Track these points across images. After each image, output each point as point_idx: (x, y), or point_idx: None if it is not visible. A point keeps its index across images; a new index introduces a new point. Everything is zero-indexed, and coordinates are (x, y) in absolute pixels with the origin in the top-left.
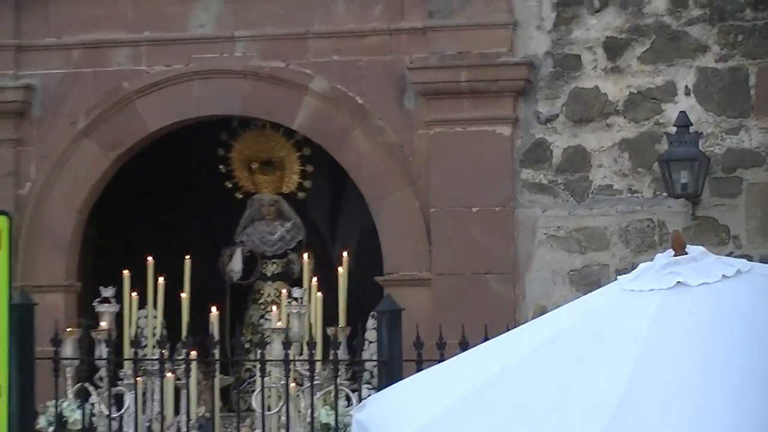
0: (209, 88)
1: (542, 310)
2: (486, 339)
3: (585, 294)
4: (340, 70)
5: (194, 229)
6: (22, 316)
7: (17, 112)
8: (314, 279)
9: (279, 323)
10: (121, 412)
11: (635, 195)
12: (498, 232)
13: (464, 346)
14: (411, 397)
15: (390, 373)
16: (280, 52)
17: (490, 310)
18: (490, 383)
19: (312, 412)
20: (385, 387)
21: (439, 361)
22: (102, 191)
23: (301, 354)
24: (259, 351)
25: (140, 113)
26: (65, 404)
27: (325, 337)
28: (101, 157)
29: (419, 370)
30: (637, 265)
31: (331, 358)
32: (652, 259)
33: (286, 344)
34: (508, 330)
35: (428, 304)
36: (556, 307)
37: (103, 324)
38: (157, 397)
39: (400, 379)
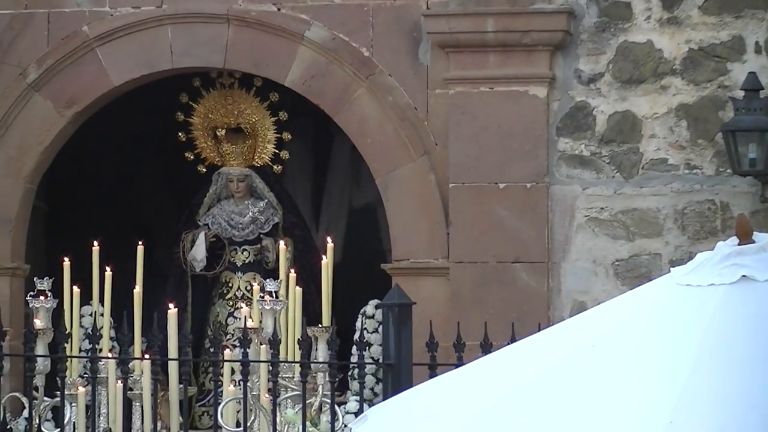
0: (185, 36)
1: (581, 307)
2: (513, 340)
3: (632, 289)
4: (342, 15)
5: (150, 209)
6: None
7: None
8: (292, 270)
9: (250, 322)
10: (58, 430)
11: (694, 171)
12: (529, 212)
13: (487, 348)
14: (421, 408)
15: (397, 379)
16: None
17: (518, 305)
18: (516, 394)
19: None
20: (392, 396)
21: (457, 366)
22: (55, 157)
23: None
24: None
25: (102, 64)
26: None
27: (306, 339)
28: (55, 116)
29: (432, 376)
30: (695, 255)
31: (320, 359)
32: (712, 249)
33: (245, 342)
34: (539, 330)
35: (444, 298)
36: (598, 304)
37: (38, 322)
38: (104, 410)
39: (410, 386)
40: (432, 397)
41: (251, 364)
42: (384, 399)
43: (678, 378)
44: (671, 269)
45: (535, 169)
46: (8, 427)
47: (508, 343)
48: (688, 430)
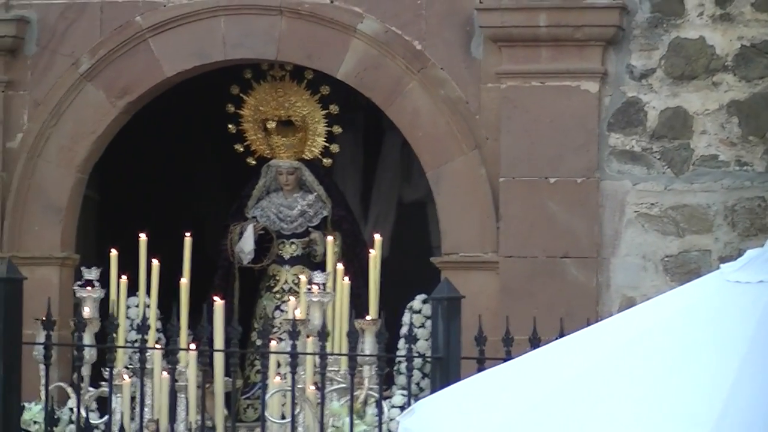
0: (238, 27)
1: (630, 303)
2: (562, 335)
3: (681, 284)
4: (395, 8)
5: (202, 200)
6: (9, 292)
7: (8, 50)
8: (340, 263)
9: (297, 313)
10: (104, 419)
11: (745, 168)
12: (579, 207)
13: (535, 342)
14: (469, 402)
15: (446, 373)
16: None
17: (567, 300)
18: (565, 389)
19: (322, 417)
20: (440, 389)
21: (505, 360)
22: (107, 147)
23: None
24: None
25: (155, 54)
26: (37, 408)
27: (353, 332)
28: (107, 106)
29: (480, 370)
30: (745, 252)
31: (367, 352)
32: (762, 245)
33: (293, 334)
34: (588, 325)
35: (494, 292)
36: (647, 299)
37: (86, 312)
38: (149, 402)
39: (458, 380)
40: (480, 391)
41: (298, 356)
42: (432, 392)
43: (727, 375)
44: (720, 266)
45: (586, 164)
46: (55, 416)
47: (557, 338)
48: (737, 427)
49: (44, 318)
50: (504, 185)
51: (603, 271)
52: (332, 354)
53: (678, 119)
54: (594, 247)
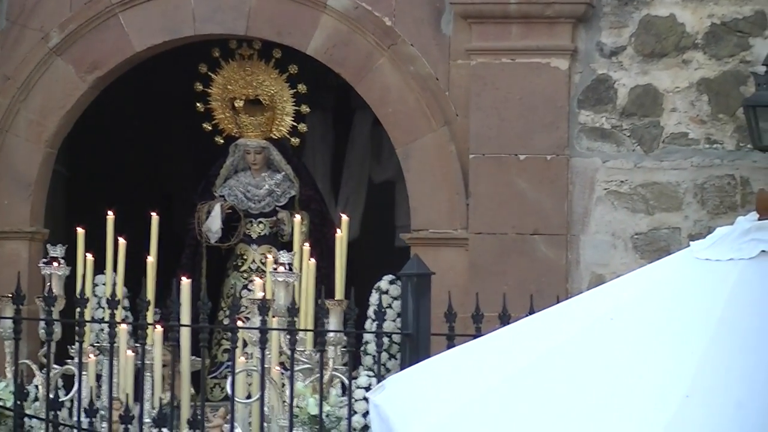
0: (208, 2)
1: (599, 280)
2: (531, 312)
3: (651, 262)
4: None
5: (171, 178)
6: None
7: None
8: (306, 243)
9: (261, 294)
10: (69, 395)
11: (714, 146)
12: (549, 184)
13: (505, 319)
14: (439, 378)
15: (416, 349)
16: None
17: (537, 277)
18: (534, 365)
19: (291, 397)
20: (410, 365)
21: (475, 337)
22: (76, 122)
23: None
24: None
25: (125, 29)
26: (1, 384)
27: (319, 308)
28: (76, 81)
29: (450, 346)
30: (714, 230)
31: (331, 328)
32: (732, 223)
33: (263, 309)
34: (558, 302)
35: (463, 269)
36: (616, 277)
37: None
38: (115, 381)
39: (428, 356)
40: (450, 367)
41: (267, 333)
42: (402, 369)
43: (696, 351)
44: (690, 243)
45: (556, 141)
46: (24, 390)
47: (527, 315)
48: (705, 403)
49: (13, 293)
50: (474, 162)
51: (573, 248)
52: (301, 330)
53: (648, 97)
54: (563, 225)
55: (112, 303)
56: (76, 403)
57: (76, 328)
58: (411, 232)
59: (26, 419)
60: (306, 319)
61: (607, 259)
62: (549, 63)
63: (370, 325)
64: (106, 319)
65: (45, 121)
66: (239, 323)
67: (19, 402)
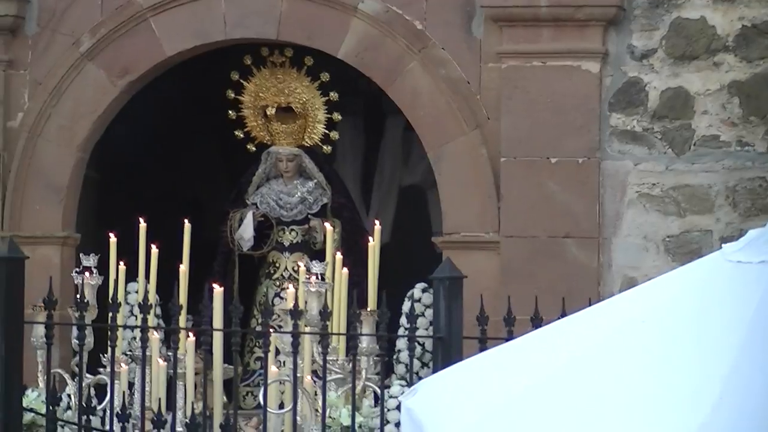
0: (238, 7)
1: (631, 283)
2: (563, 315)
3: (683, 264)
4: None
5: (202, 184)
6: (10, 271)
7: (9, 29)
8: (339, 252)
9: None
10: (103, 404)
11: (746, 149)
12: (580, 187)
13: (537, 322)
14: (471, 381)
15: (447, 353)
16: None
17: (568, 280)
18: (567, 368)
19: (324, 406)
20: (441, 369)
21: (507, 340)
22: (107, 126)
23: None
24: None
25: (156, 34)
26: (33, 394)
27: (352, 313)
28: (108, 86)
29: (482, 349)
30: (746, 232)
31: (365, 343)
32: (763, 226)
33: (296, 314)
34: (589, 305)
35: (495, 272)
36: (648, 280)
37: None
38: (147, 389)
39: (460, 359)
40: (481, 371)
41: (299, 337)
42: (434, 372)
43: (728, 354)
44: (722, 246)
45: (587, 144)
46: (58, 395)
47: (558, 318)
48: (738, 406)
49: (45, 299)
50: (505, 165)
51: (604, 251)
52: (334, 334)
53: (679, 99)
54: (595, 228)
55: (144, 307)
56: (108, 411)
57: (109, 333)
58: (442, 236)
59: (59, 427)
60: (339, 327)
61: (639, 262)
62: (580, 66)
63: (402, 331)
64: (140, 322)
65: (76, 125)
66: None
67: (51, 408)
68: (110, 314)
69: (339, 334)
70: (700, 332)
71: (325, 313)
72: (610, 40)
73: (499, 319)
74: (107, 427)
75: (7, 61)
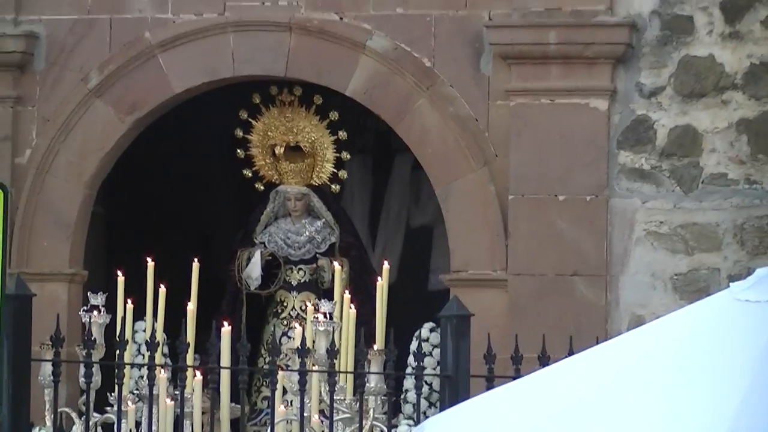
0: (247, 43)
1: (639, 321)
2: (571, 353)
3: (691, 303)
4: (404, 25)
5: (211, 222)
6: (18, 309)
7: (17, 65)
8: (347, 291)
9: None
10: None
11: (754, 186)
12: (588, 225)
13: (545, 360)
14: (478, 419)
15: (455, 391)
16: (333, 3)
17: (576, 318)
18: (574, 407)
19: None
20: (449, 407)
21: (514, 378)
22: (116, 163)
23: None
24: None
25: (164, 70)
26: None
27: (360, 351)
28: (116, 122)
29: (489, 388)
30: (754, 271)
31: (373, 384)
32: None
33: (303, 352)
34: (597, 343)
35: (502, 310)
36: (656, 318)
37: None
38: (154, 429)
39: (467, 397)
40: (489, 409)
41: (306, 376)
42: (441, 410)
43: (736, 393)
44: (730, 284)
45: (595, 181)
46: None
47: (566, 356)
48: None
49: (53, 336)
50: (513, 202)
51: (612, 289)
52: (341, 372)
53: (687, 137)
54: (603, 265)
55: (152, 345)
56: None
57: (116, 371)
58: (450, 273)
59: None
60: (346, 367)
61: (647, 300)
62: (588, 103)
63: (410, 370)
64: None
65: (84, 162)
66: (280, 372)
67: None
68: (117, 352)
69: (347, 372)
70: (708, 371)
71: (332, 351)
72: (618, 78)
73: (506, 357)
74: None
75: (15, 97)
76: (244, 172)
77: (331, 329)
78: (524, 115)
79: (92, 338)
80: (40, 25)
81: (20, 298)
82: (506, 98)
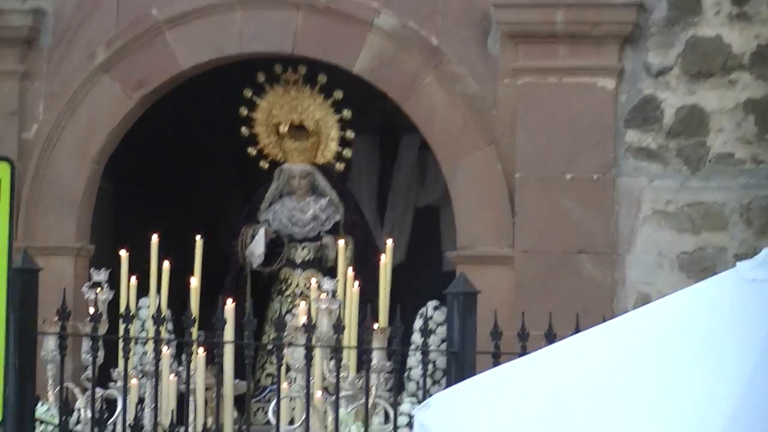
0: (254, 21)
1: (645, 299)
2: (577, 331)
3: (697, 282)
4: (411, 4)
5: (216, 198)
6: (24, 283)
7: (24, 41)
8: (350, 269)
9: (304, 320)
10: (114, 417)
11: (761, 166)
12: (595, 204)
13: (551, 338)
14: (485, 396)
15: (461, 367)
16: None
17: (582, 296)
18: (580, 384)
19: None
20: (455, 384)
21: (521, 355)
22: (122, 139)
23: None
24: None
25: (171, 47)
26: (43, 408)
27: (365, 327)
28: (122, 98)
29: (496, 365)
30: (761, 250)
31: (375, 360)
32: None
33: (309, 328)
34: (603, 321)
35: (509, 287)
36: (662, 296)
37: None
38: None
39: (473, 374)
40: (495, 386)
41: (313, 351)
42: (447, 387)
43: (742, 372)
44: (736, 263)
45: (602, 160)
46: (71, 407)
47: (573, 334)
48: (752, 423)
49: (59, 310)
50: (520, 181)
51: (618, 267)
52: (346, 347)
53: (694, 117)
54: (610, 244)
55: (158, 319)
56: (119, 425)
57: (122, 344)
58: (457, 250)
59: None
60: (349, 344)
61: (653, 278)
62: (596, 83)
63: (415, 348)
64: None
65: (91, 137)
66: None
67: (64, 417)
68: (123, 326)
69: (352, 347)
70: (714, 350)
71: (339, 327)
72: (626, 57)
73: (513, 335)
74: None
75: (22, 72)
76: (249, 150)
77: (335, 307)
78: (531, 94)
79: (98, 311)
80: (48, 1)
81: (27, 272)
82: (513, 77)
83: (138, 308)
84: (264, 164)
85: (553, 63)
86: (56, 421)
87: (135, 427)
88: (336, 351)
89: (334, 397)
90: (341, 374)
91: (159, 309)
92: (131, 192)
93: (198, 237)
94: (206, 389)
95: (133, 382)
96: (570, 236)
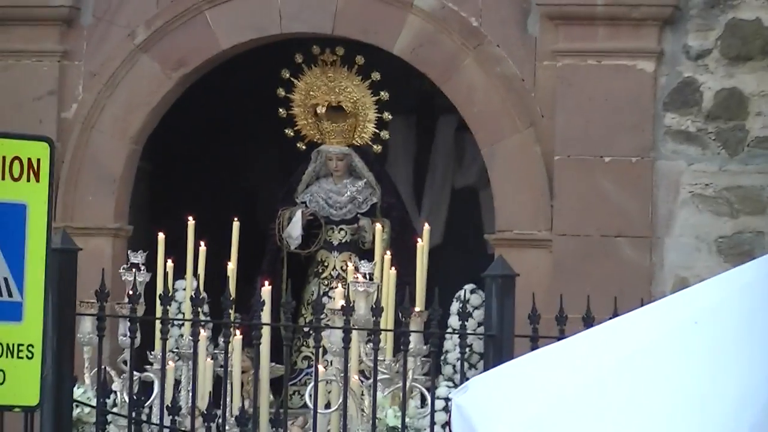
0: (294, 1)
1: (683, 283)
2: (615, 314)
3: (735, 266)
4: None
5: (253, 177)
6: (63, 263)
7: (64, 20)
8: (387, 252)
9: (341, 303)
10: (151, 399)
11: None
12: (634, 187)
13: (589, 321)
14: (523, 380)
15: (499, 350)
16: None
17: (620, 279)
18: (617, 368)
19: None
20: (493, 367)
21: (558, 339)
22: (161, 118)
23: (368, 344)
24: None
25: (211, 27)
26: (79, 390)
27: (402, 308)
28: (162, 78)
29: (534, 348)
30: None
31: (412, 345)
32: None
33: (348, 309)
34: (641, 304)
35: (547, 270)
36: (700, 280)
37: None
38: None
39: (511, 357)
40: (533, 369)
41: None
42: (485, 370)
43: None
44: None
45: (641, 143)
46: (109, 388)
47: (611, 317)
48: None
49: (97, 291)
50: (558, 163)
51: (657, 250)
52: (384, 330)
53: (733, 100)
54: (648, 227)
55: (196, 300)
56: (155, 408)
57: (159, 325)
58: (495, 233)
59: (106, 426)
60: (386, 326)
61: (691, 262)
62: (635, 65)
63: (452, 332)
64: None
65: (130, 117)
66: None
67: (102, 400)
68: (161, 307)
69: (390, 330)
70: (751, 334)
71: (378, 309)
72: (665, 40)
73: (550, 318)
74: (155, 421)
75: (62, 52)
76: (286, 131)
77: (371, 290)
78: (570, 76)
79: (137, 292)
80: None
81: (65, 252)
82: (553, 59)
83: (174, 290)
84: (301, 145)
85: (592, 45)
86: (93, 403)
87: (172, 409)
88: (374, 334)
89: (370, 381)
90: (378, 358)
91: (198, 290)
92: (169, 173)
93: (235, 220)
94: (242, 372)
95: (170, 364)
96: (608, 219)
